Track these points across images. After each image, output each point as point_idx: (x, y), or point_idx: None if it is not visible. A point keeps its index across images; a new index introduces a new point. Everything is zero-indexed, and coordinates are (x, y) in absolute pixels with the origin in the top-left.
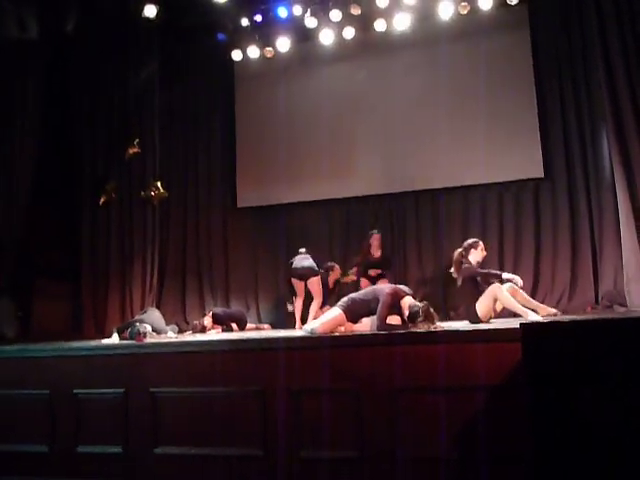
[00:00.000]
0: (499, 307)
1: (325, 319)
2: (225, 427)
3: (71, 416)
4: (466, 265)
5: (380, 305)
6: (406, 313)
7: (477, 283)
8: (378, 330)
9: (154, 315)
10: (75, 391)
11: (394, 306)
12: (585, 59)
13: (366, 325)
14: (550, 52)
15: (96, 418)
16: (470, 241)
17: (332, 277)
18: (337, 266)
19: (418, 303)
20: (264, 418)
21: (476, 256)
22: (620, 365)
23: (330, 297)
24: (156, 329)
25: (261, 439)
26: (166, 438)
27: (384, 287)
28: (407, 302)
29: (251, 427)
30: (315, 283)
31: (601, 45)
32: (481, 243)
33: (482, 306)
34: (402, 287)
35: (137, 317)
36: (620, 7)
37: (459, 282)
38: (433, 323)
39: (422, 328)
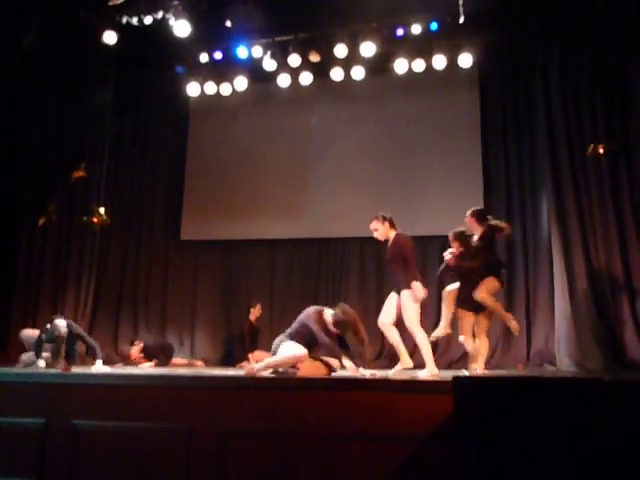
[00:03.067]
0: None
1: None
2: (148, 465)
3: None
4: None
5: (313, 328)
6: (332, 328)
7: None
8: (328, 346)
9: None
10: None
11: (321, 320)
12: (531, 127)
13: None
14: (498, 115)
15: (12, 448)
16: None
17: (253, 315)
18: (259, 305)
19: (334, 310)
20: (189, 458)
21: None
22: (546, 424)
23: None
24: None
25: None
26: (85, 474)
27: (307, 310)
28: (327, 313)
29: (175, 467)
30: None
31: (545, 112)
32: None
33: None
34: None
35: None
36: (566, 73)
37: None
38: (356, 326)
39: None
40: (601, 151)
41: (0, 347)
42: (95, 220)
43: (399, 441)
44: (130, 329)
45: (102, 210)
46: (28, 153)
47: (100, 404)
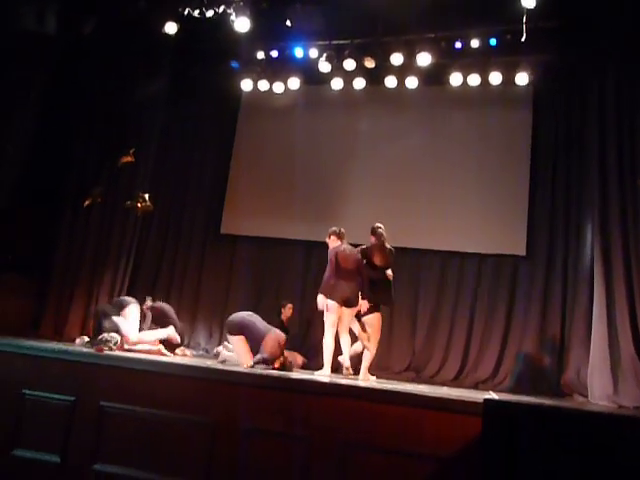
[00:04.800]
0: None
1: None
2: (170, 454)
3: (12, 416)
4: None
5: None
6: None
7: None
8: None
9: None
10: (24, 391)
11: None
12: (582, 151)
13: None
14: (549, 137)
15: (39, 422)
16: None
17: (284, 315)
18: (290, 305)
19: None
20: (211, 452)
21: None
22: (575, 457)
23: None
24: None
25: (205, 473)
26: (108, 455)
27: None
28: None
29: (197, 459)
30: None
31: (598, 138)
32: None
33: None
34: None
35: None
36: (621, 99)
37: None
38: None
39: None
40: None
41: (34, 325)
42: (139, 206)
43: (422, 459)
44: None
45: (147, 196)
46: (78, 136)
47: (129, 388)
